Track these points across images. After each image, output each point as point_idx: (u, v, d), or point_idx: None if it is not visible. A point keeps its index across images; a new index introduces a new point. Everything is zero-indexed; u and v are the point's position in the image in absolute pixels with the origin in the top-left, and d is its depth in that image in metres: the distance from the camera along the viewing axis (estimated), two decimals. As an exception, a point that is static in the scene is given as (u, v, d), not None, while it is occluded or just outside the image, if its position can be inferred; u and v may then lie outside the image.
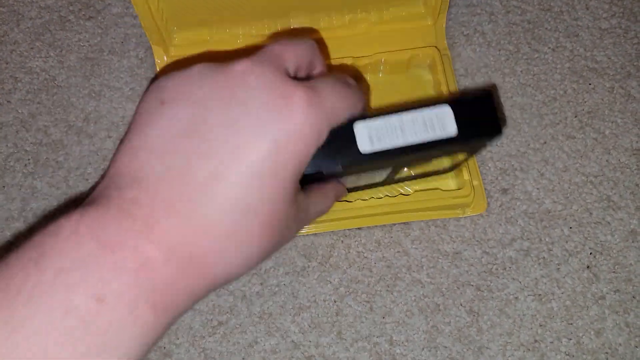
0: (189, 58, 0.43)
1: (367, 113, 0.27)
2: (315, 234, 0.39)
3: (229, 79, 0.23)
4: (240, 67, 0.23)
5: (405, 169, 0.35)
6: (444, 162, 0.37)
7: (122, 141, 0.24)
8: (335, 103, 0.24)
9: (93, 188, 0.23)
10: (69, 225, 0.20)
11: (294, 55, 0.25)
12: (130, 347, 0.20)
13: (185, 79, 0.24)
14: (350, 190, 0.36)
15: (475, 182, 0.39)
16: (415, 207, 0.38)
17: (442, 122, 0.27)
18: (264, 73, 0.23)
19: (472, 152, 0.34)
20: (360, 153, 0.26)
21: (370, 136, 0.26)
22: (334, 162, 0.25)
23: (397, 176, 0.35)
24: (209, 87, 0.23)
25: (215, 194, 0.21)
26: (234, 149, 0.22)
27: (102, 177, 0.23)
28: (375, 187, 0.38)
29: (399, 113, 0.26)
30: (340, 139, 0.26)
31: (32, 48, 0.45)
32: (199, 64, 0.24)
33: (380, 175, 0.34)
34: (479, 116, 0.27)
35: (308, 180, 0.26)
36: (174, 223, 0.21)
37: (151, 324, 0.20)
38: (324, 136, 0.23)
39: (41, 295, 0.18)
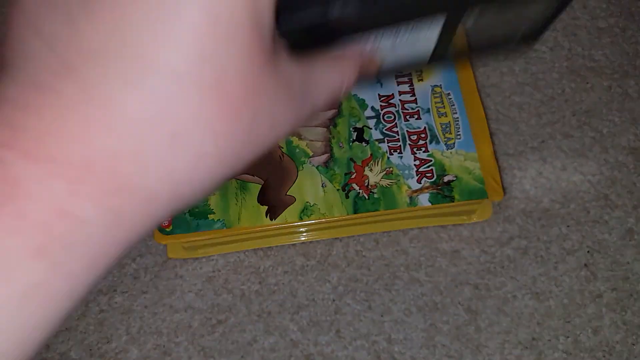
0: None
1: None
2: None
3: None
4: None
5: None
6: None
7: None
8: None
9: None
10: None
11: None
12: (9, 311, 0.14)
13: None
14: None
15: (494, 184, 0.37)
16: (421, 214, 0.38)
17: None
18: None
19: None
20: None
21: None
22: None
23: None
24: None
25: (121, 61, 0.14)
26: None
27: None
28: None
29: None
30: None
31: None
32: None
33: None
34: None
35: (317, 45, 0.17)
36: (54, 116, 0.14)
37: (41, 276, 0.14)
38: None
39: None
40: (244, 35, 0.14)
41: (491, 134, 0.42)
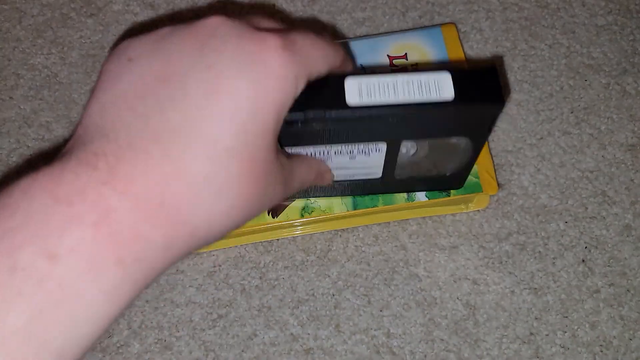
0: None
1: (361, 71, 0.25)
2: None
3: (199, 30, 0.22)
4: (211, 20, 0.22)
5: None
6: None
7: (88, 101, 0.22)
8: (311, 51, 0.23)
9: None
10: (23, 183, 0.19)
11: (267, 20, 0.25)
12: (94, 305, 0.18)
13: (152, 36, 0.23)
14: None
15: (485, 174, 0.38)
16: (418, 204, 0.38)
17: (439, 86, 0.25)
18: (234, 25, 0.22)
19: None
20: (347, 105, 0.25)
21: (360, 90, 0.25)
22: (320, 111, 0.25)
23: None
24: (179, 39, 0.22)
25: (191, 137, 0.20)
26: (210, 92, 0.21)
27: (69, 139, 0.22)
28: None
29: (395, 74, 0.25)
30: (329, 91, 0.25)
31: (34, 45, 0.46)
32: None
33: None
34: (480, 85, 0.25)
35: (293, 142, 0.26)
36: (142, 168, 0.20)
37: (119, 281, 0.19)
38: (301, 82, 0.23)
39: None
40: (268, 133, 0.22)
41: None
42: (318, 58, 0.24)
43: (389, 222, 0.40)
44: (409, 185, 0.36)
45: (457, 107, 0.25)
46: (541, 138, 0.42)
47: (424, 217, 0.40)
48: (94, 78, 0.44)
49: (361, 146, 0.30)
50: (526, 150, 0.41)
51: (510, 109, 0.43)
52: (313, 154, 0.30)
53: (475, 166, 0.37)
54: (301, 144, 0.28)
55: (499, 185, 0.40)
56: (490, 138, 0.42)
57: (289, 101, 0.22)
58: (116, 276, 0.19)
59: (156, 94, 0.21)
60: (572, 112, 0.42)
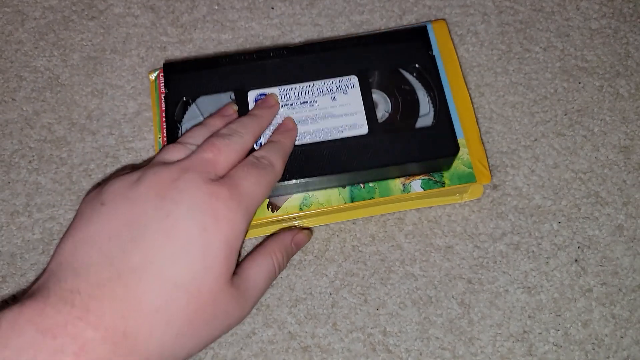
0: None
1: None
2: (311, 229, 0.40)
3: (162, 180, 0.27)
4: (170, 173, 0.28)
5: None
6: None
7: (63, 237, 0.27)
8: (254, 188, 0.29)
9: (39, 277, 0.26)
10: (10, 316, 0.22)
11: (225, 160, 0.30)
12: None
13: (124, 182, 0.28)
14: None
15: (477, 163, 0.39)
16: (413, 195, 0.39)
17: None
18: (192, 178, 0.27)
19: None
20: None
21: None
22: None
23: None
24: (145, 188, 0.27)
25: (146, 275, 0.24)
26: (167, 235, 0.25)
27: (44, 271, 0.26)
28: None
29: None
30: None
31: (36, 47, 0.46)
32: (135, 171, 0.29)
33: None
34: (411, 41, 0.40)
35: None
36: (109, 305, 0.23)
37: None
38: (248, 214, 0.28)
39: None
40: (217, 267, 0.26)
41: (485, 133, 0.43)
42: (260, 191, 0.30)
43: (385, 223, 0.40)
44: (401, 156, 0.37)
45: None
46: (535, 140, 0.42)
47: (420, 217, 0.40)
48: (95, 80, 0.45)
49: (337, 82, 0.38)
50: (520, 152, 0.42)
51: (505, 110, 0.43)
52: (299, 94, 0.37)
53: (468, 157, 0.39)
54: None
55: (493, 186, 0.41)
56: (485, 139, 0.42)
57: (240, 235, 0.27)
58: None
59: (121, 236, 0.25)
60: (565, 114, 0.43)
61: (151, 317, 0.24)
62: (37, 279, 0.28)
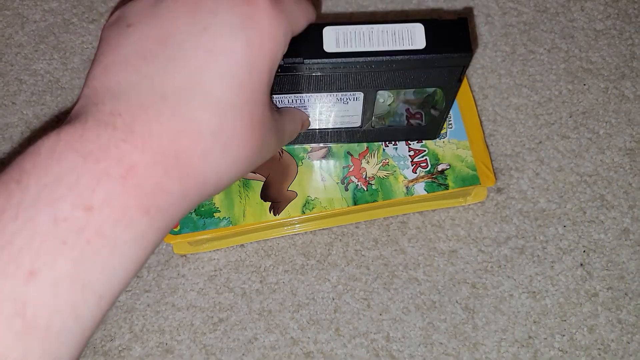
0: None
1: (340, 22, 0.28)
2: (314, 232, 0.40)
3: None
4: None
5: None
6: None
7: (92, 65, 0.24)
8: (295, 8, 0.25)
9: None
10: (48, 143, 0.20)
11: None
12: (126, 251, 0.20)
13: (147, 2, 0.24)
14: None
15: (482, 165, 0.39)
16: (417, 198, 0.38)
17: (412, 36, 0.28)
18: None
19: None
20: (324, 51, 0.27)
21: (337, 39, 0.28)
22: (299, 58, 0.27)
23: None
24: (174, 4, 0.23)
25: (195, 95, 0.22)
26: (208, 52, 0.22)
27: (78, 99, 0.23)
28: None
29: (372, 24, 0.28)
30: (308, 40, 0.27)
31: (36, 50, 0.46)
32: None
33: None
34: (450, 35, 0.28)
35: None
36: (157, 126, 0.21)
37: (146, 228, 0.21)
38: (288, 37, 0.25)
39: (27, 210, 0.19)
40: (263, 89, 0.23)
41: (489, 135, 0.42)
42: (301, 15, 0.26)
43: (388, 226, 0.40)
44: (388, 135, 0.38)
45: (427, 55, 0.27)
46: (540, 142, 0.42)
47: (423, 221, 0.40)
48: (95, 83, 0.45)
49: (340, 95, 0.32)
50: (525, 155, 0.42)
51: (509, 113, 0.43)
52: (294, 102, 0.33)
53: (472, 159, 0.38)
54: (283, 91, 0.31)
55: (498, 189, 0.41)
56: (489, 142, 0.42)
57: (279, 56, 0.24)
58: (143, 225, 0.21)
59: (157, 55, 0.22)
60: (570, 117, 0.43)
61: (207, 140, 0.22)
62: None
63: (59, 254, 0.18)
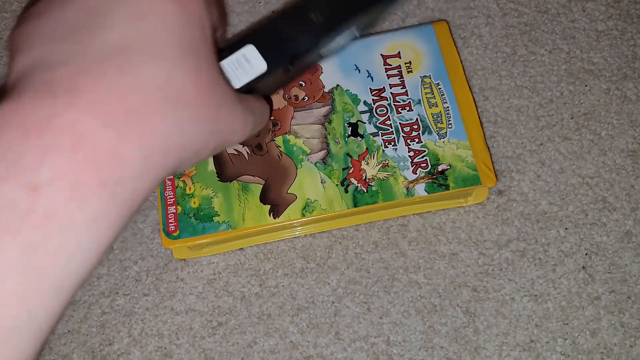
0: None
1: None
2: (314, 235, 0.40)
3: None
4: None
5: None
6: None
7: (10, 36, 0.22)
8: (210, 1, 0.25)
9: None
10: None
11: None
12: (83, 233, 0.18)
13: None
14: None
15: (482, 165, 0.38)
16: (417, 199, 0.38)
17: None
18: None
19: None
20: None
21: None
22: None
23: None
24: None
25: (136, 52, 0.20)
26: (138, 14, 0.21)
27: (7, 77, 0.21)
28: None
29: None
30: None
31: (35, 53, 0.46)
32: None
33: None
34: None
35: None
36: (102, 87, 0.19)
37: (105, 205, 0.19)
38: (210, 11, 0.24)
39: None
40: (202, 45, 0.22)
41: (490, 137, 0.42)
42: (213, 7, 0.25)
43: (388, 229, 0.40)
44: None
45: None
46: (541, 144, 0.42)
47: (423, 224, 0.40)
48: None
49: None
50: (526, 157, 0.41)
51: (510, 115, 0.43)
52: None
53: (472, 159, 0.38)
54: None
55: (499, 191, 0.40)
56: (490, 143, 0.42)
57: (206, 22, 0.23)
58: (101, 200, 0.18)
59: (85, 26, 0.20)
60: (572, 118, 0.42)
61: (156, 94, 0.20)
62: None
63: (2, 242, 0.17)
